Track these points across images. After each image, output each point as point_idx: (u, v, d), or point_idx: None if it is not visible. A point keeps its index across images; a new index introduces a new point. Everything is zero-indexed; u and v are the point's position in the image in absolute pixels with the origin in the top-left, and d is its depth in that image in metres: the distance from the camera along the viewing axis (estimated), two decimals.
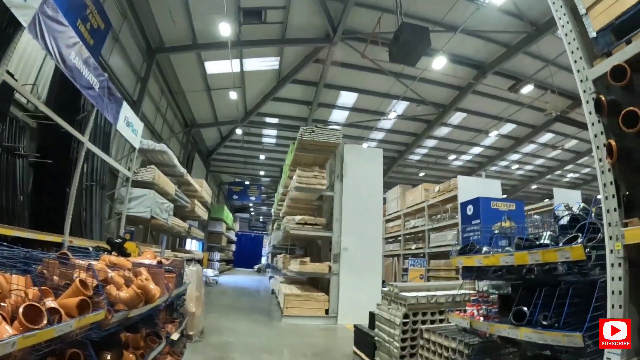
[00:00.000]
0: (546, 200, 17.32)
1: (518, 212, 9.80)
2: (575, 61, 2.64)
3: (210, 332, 7.39)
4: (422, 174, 26.15)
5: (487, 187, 11.48)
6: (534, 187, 29.09)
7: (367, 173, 10.89)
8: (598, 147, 2.36)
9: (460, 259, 3.66)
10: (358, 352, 6.40)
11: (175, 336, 4.29)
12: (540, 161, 24.50)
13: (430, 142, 21.49)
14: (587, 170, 26.17)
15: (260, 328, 8.62)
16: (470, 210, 10.15)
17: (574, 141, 20.90)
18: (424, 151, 22.88)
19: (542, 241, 2.81)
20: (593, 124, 2.43)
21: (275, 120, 19.33)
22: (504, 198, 12.08)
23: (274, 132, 21.03)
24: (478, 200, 9.96)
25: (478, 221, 9.28)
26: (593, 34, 2.45)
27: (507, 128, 19.37)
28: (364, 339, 6.18)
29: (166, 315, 4.55)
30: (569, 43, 2.70)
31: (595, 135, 2.40)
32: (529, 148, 22.04)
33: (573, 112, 15.27)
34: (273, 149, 23.38)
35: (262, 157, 25.13)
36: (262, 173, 29.17)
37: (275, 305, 12.56)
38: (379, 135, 20.66)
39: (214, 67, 14.08)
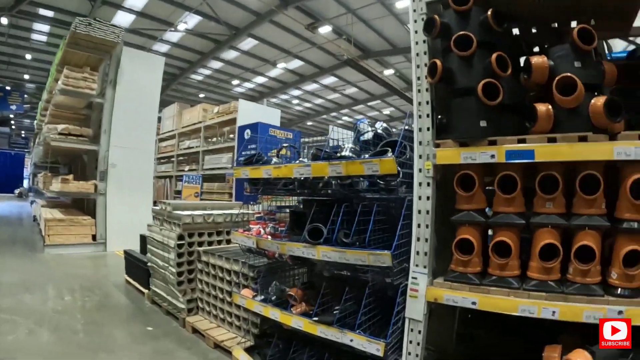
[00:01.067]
0: (319, 137, 19.15)
1: (294, 142, 10.36)
2: None
3: None
4: (202, 96, 25.04)
5: (267, 115, 11.79)
6: (309, 123, 31.84)
7: (144, 82, 9.76)
8: (418, 66, 2.33)
9: (245, 170, 3.21)
10: (131, 280, 5.75)
11: None
12: (319, 101, 26.73)
13: (216, 64, 20.54)
14: (360, 117, 30.20)
15: (20, 262, 7.30)
16: (248, 134, 10.24)
17: (354, 89, 23.47)
18: (208, 72, 21.83)
19: (343, 153, 2.66)
20: (417, 43, 2.38)
21: (50, 13, 14.79)
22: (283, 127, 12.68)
23: (46, 27, 16.17)
24: (257, 125, 10.12)
25: (255, 146, 9.36)
26: None
27: (295, 64, 20.02)
28: (136, 266, 5.51)
29: None
30: None
31: (417, 54, 2.36)
32: (312, 87, 23.62)
33: (362, 62, 16.81)
34: (43, 48, 18.21)
35: (28, 57, 19.54)
36: (27, 77, 22.88)
37: (37, 234, 10.75)
38: (163, 48, 18.33)
39: None
